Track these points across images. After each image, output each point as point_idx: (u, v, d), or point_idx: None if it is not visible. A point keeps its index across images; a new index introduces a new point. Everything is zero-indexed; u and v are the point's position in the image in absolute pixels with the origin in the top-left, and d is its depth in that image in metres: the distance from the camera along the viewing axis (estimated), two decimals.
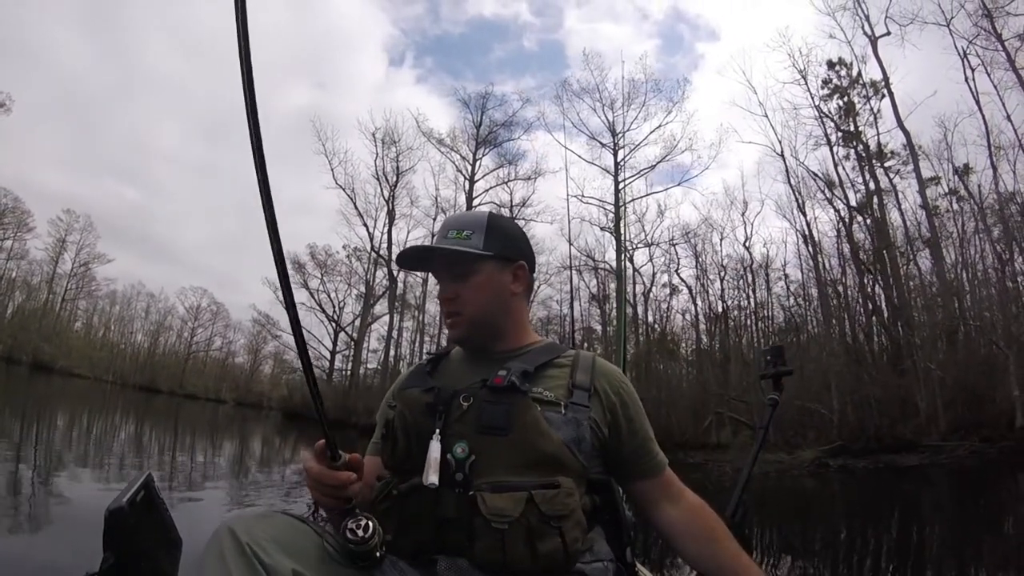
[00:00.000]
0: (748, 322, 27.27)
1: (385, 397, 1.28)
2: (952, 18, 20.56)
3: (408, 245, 1.51)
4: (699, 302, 28.37)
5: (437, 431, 1.01)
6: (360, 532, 0.86)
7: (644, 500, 1.16)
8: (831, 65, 23.89)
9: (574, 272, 28.06)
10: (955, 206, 21.54)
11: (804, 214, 23.46)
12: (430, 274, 1.34)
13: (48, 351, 44.00)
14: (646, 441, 1.15)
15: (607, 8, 63.96)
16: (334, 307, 36.97)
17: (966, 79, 20.42)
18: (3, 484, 5.44)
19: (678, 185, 27.28)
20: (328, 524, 0.97)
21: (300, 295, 35.67)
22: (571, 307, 28.55)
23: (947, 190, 21.82)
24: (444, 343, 1.37)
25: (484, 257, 1.17)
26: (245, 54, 0.61)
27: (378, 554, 0.88)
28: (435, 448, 0.98)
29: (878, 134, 22.42)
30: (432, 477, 0.95)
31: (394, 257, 1.38)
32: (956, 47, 20.68)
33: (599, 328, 30.49)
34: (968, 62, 20.43)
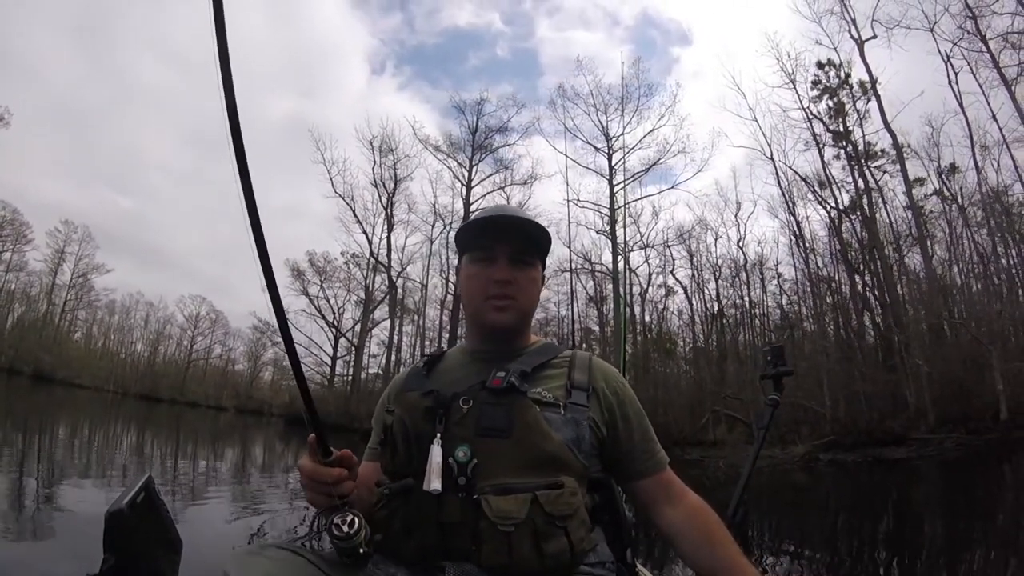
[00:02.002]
0: (744, 320, 27.57)
1: (381, 400, 1.27)
2: (936, 23, 21.01)
3: (494, 208, 1.23)
4: (695, 302, 28.82)
5: (438, 435, 1.00)
6: (345, 528, 0.86)
7: (644, 500, 1.15)
8: (820, 65, 24.31)
9: (571, 275, 28.39)
10: (942, 205, 21.99)
11: (794, 216, 23.92)
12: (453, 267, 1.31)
13: (49, 362, 43.89)
14: (645, 440, 1.15)
15: (578, 15, 65.62)
16: (334, 313, 37.15)
17: (949, 82, 20.89)
18: (6, 490, 5.46)
19: (672, 188, 27.59)
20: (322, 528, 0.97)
21: (300, 302, 36.03)
22: (571, 309, 28.80)
23: (933, 189, 22.28)
24: (444, 347, 1.37)
25: (544, 254, 1.24)
26: (226, 74, 0.62)
27: (362, 550, 0.88)
28: (436, 453, 0.98)
29: (863, 136, 22.89)
30: (435, 483, 0.95)
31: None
32: (940, 51, 21.14)
33: (596, 329, 30.82)
34: (951, 66, 20.91)
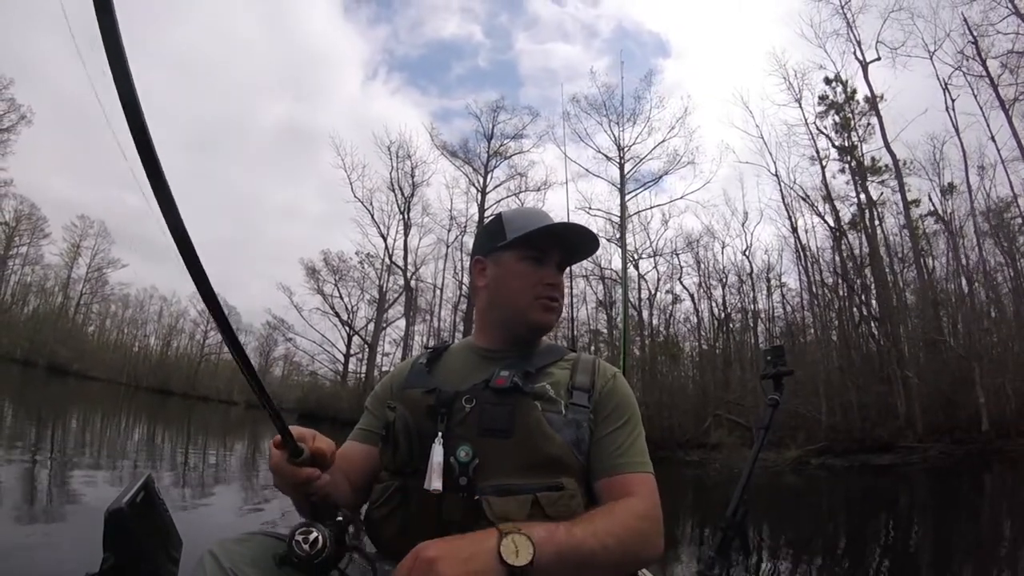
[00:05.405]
0: (749, 327, 28.00)
1: (381, 392, 1.26)
2: (935, 51, 21.79)
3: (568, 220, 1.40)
4: (701, 308, 29.26)
5: (440, 435, 1.00)
6: (307, 547, 0.79)
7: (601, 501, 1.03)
8: (828, 81, 24.90)
9: (581, 279, 29.19)
10: (938, 225, 22.60)
11: (796, 231, 24.61)
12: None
13: (64, 354, 44.22)
14: (627, 443, 1.08)
15: (555, 27, 67.10)
16: (348, 312, 37.94)
17: (947, 108, 21.56)
18: (15, 484, 5.49)
19: (681, 198, 28.30)
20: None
21: (314, 300, 37.03)
22: (573, 311, 29.42)
23: (929, 210, 22.88)
24: (449, 341, 1.37)
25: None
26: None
27: (328, 569, 0.81)
28: (438, 452, 0.97)
29: (862, 153, 23.51)
30: (436, 482, 0.94)
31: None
32: (939, 78, 21.85)
33: (605, 332, 31.34)
34: (949, 93, 21.59)
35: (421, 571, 0.78)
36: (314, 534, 0.80)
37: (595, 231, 1.24)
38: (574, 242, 1.20)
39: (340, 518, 0.89)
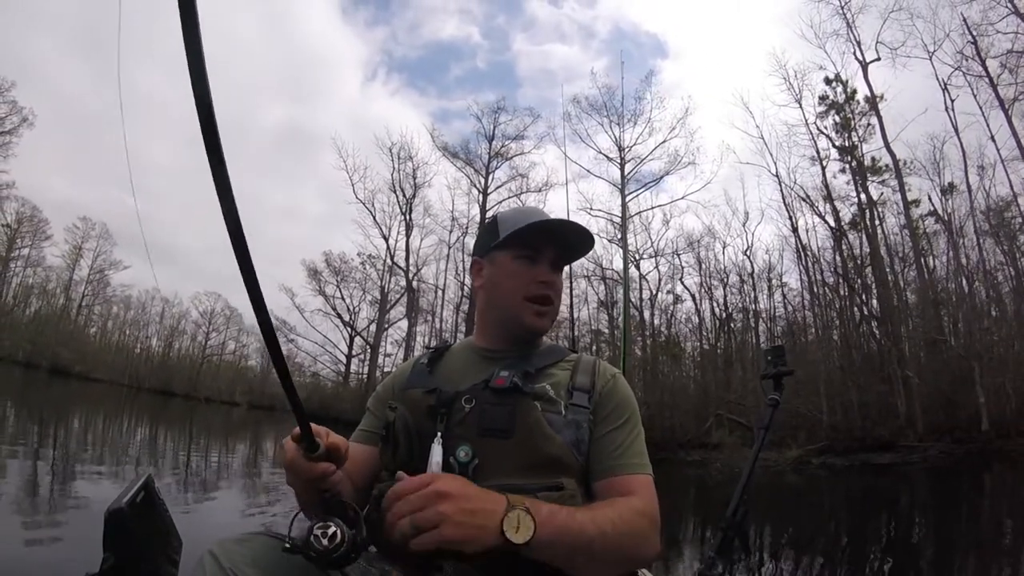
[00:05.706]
0: (750, 326, 28.14)
1: (382, 392, 1.26)
2: (934, 52, 21.90)
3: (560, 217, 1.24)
4: (703, 308, 29.43)
5: (439, 434, 1.00)
6: (325, 542, 0.79)
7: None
8: (828, 81, 25.04)
9: (582, 279, 29.31)
10: (938, 225, 22.75)
11: (796, 231, 24.76)
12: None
13: (66, 356, 44.21)
14: (625, 444, 1.07)
15: (553, 28, 67.52)
16: (349, 312, 38.02)
17: (946, 108, 21.69)
18: (17, 484, 5.48)
19: (682, 198, 28.45)
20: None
21: (316, 301, 37.06)
22: (573, 311, 29.49)
23: (929, 210, 23.04)
24: (449, 340, 1.34)
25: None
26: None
27: (348, 559, 0.82)
28: (437, 452, 0.98)
29: (862, 153, 23.61)
30: None
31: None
32: (938, 79, 21.98)
33: (607, 331, 31.45)
34: (949, 93, 21.71)
35: (426, 497, 0.80)
36: (332, 528, 0.80)
37: (595, 231, 1.25)
38: (569, 239, 1.19)
39: (351, 514, 0.89)
